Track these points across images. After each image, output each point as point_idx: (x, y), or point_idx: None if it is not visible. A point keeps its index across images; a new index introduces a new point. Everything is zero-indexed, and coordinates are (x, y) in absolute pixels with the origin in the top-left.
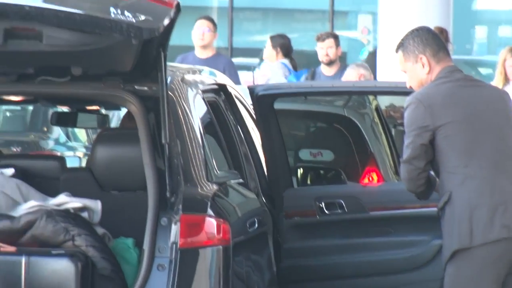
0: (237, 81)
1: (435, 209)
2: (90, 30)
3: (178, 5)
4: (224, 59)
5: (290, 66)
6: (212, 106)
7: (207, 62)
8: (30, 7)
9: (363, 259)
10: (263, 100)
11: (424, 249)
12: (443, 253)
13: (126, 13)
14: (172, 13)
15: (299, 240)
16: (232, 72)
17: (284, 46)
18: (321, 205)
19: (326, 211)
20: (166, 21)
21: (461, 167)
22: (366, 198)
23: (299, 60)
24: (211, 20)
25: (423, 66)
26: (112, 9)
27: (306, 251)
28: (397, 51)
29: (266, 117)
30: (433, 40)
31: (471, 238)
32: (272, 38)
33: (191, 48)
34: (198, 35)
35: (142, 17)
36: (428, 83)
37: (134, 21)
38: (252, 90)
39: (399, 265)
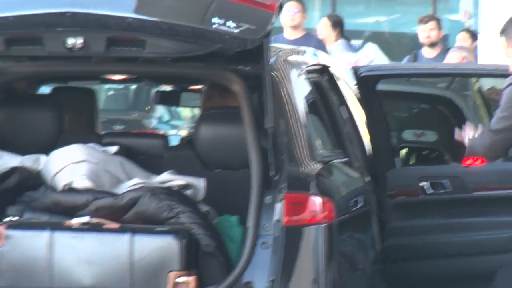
0: None
1: None
2: (193, 41)
3: (280, 5)
4: (314, 39)
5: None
6: (315, 86)
7: (296, 43)
8: (133, 19)
9: (466, 238)
10: (367, 81)
11: None
12: None
13: (228, 23)
14: (274, 17)
15: (402, 219)
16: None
17: (341, 25)
18: (424, 185)
19: (430, 191)
20: (268, 28)
21: None
22: (469, 179)
23: (402, 42)
24: (300, 0)
25: None
26: (214, 19)
27: (410, 230)
28: (501, 34)
29: (369, 98)
30: None
31: None
32: (330, 17)
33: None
34: (289, 16)
35: (245, 26)
36: None
37: (237, 31)
38: (356, 71)
39: (501, 245)
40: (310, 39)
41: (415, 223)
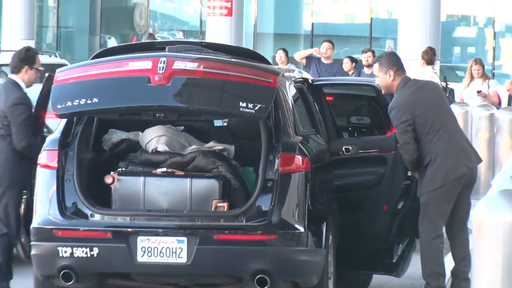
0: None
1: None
2: (228, 118)
3: (280, 76)
4: (337, 65)
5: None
6: (299, 90)
7: (328, 66)
8: (193, 107)
9: (355, 180)
10: (316, 87)
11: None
12: None
13: (249, 105)
14: (276, 91)
15: (335, 169)
16: (342, 73)
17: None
18: (342, 149)
19: (343, 153)
20: (272, 101)
21: None
22: (364, 144)
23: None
24: (332, 42)
25: (390, 76)
26: (241, 103)
27: (337, 176)
28: (374, 63)
29: (318, 98)
30: (397, 61)
31: None
32: (284, 49)
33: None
34: (324, 51)
35: (258, 106)
36: (393, 88)
37: (254, 112)
38: (311, 81)
39: (368, 184)
40: (335, 65)
41: (337, 172)
